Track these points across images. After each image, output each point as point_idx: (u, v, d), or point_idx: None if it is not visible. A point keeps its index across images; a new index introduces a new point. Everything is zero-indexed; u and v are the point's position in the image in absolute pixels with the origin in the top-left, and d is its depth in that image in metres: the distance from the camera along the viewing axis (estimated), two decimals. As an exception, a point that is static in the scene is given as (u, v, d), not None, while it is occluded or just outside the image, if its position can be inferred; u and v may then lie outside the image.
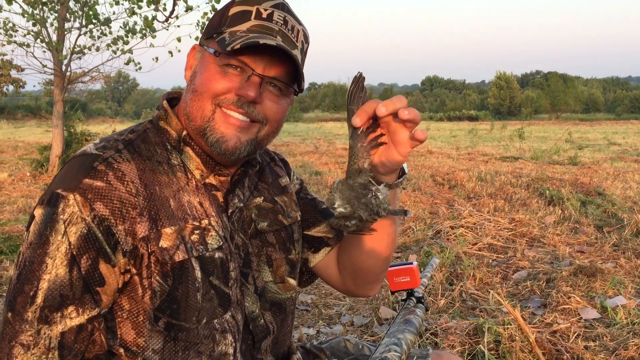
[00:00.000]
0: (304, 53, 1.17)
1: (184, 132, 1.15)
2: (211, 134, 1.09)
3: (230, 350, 1.14)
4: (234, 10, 1.11)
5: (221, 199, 1.17)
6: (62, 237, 0.98)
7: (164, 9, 9.03)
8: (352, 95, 1.03)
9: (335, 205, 0.99)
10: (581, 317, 3.15)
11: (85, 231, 0.99)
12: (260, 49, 1.05)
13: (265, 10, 1.10)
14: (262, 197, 1.27)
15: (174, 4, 8.50)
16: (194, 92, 1.11)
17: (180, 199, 1.10)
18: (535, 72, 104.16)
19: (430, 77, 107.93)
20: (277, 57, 1.08)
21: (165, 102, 1.20)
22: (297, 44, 1.13)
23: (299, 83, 1.15)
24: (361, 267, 1.32)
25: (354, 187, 1.01)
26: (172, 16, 9.04)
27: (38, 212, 1.02)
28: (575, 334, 2.88)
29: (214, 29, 1.13)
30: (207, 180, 1.15)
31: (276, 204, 1.29)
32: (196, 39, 7.83)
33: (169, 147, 1.15)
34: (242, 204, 1.21)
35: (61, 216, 0.98)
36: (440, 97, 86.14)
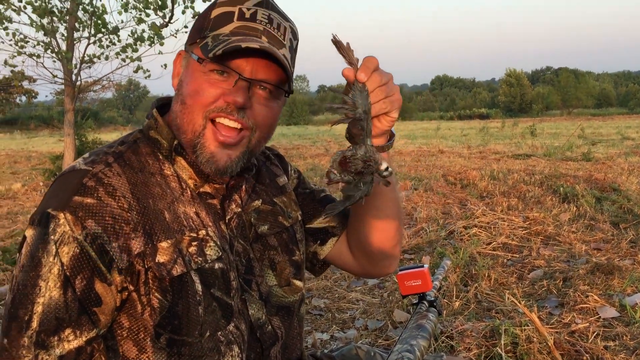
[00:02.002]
0: (293, 50, 1.13)
1: (175, 142, 1.11)
2: (201, 152, 1.07)
3: None
4: (216, 12, 1.07)
5: (218, 206, 1.14)
6: (54, 259, 0.95)
7: (171, 16, 9.07)
8: (346, 55, 1.00)
9: (385, 166, 0.97)
10: (600, 316, 3.09)
11: (77, 251, 0.96)
12: (246, 51, 1.01)
13: (249, 9, 1.06)
14: (261, 200, 1.24)
15: (173, 6, 8.53)
16: (183, 104, 1.07)
17: (176, 211, 1.07)
18: (546, 69, 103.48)
19: (440, 76, 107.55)
20: (265, 59, 1.05)
21: (155, 110, 1.16)
22: (285, 42, 1.09)
23: (289, 84, 1.11)
24: (374, 243, 1.28)
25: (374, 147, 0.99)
26: (172, 21, 9.07)
27: (29, 233, 0.99)
28: (594, 334, 2.83)
29: (198, 33, 1.09)
30: (202, 189, 1.12)
31: (275, 205, 1.27)
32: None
33: (160, 157, 1.11)
34: (240, 209, 1.18)
35: (52, 236, 0.96)
36: (450, 96, 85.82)
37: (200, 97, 1.05)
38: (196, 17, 8.96)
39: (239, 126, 1.07)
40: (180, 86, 1.10)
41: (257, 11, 1.07)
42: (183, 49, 1.14)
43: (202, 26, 1.08)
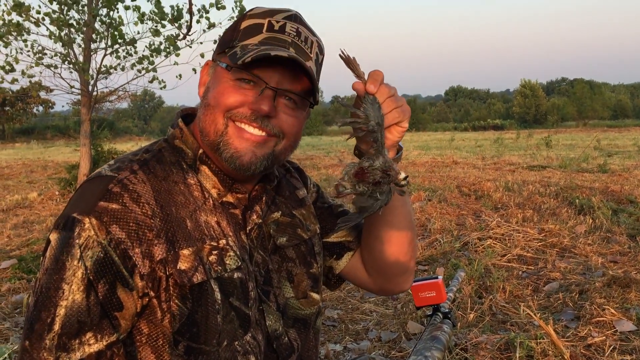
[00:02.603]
0: (318, 64, 1.14)
1: (200, 151, 1.13)
2: (225, 149, 1.07)
3: None
4: (245, 23, 1.10)
5: (239, 216, 1.15)
6: (79, 262, 0.96)
7: (189, 28, 9.13)
8: (354, 68, 1.03)
9: (404, 175, 0.98)
10: (616, 330, 3.05)
11: (101, 255, 0.97)
12: (273, 61, 1.03)
13: (278, 22, 1.08)
14: (280, 212, 1.24)
15: (191, 21, 8.61)
16: (207, 107, 1.09)
17: (197, 219, 1.08)
18: (561, 80, 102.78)
19: (454, 87, 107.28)
20: (291, 70, 1.06)
21: (180, 120, 1.18)
22: (311, 56, 1.10)
23: (314, 95, 1.12)
24: (387, 259, 1.28)
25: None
26: (190, 33, 9.14)
27: (54, 237, 1.00)
28: (611, 347, 2.79)
29: (226, 43, 1.11)
30: (225, 199, 1.13)
31: (295, 217, 1.27)
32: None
33: (184, 166, 1.13)
34: (260, 220, 1.18)
35: (77, 240, 0.97)
36: (464, 107, 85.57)
37: (225, 101, 1.07)
38: (211, 27, 9.10)
39: (263, 134, 1.08)
40: (206, 92, 1.12)
41: (286, 24, 1.09)
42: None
43: (232, 37, 1.11)
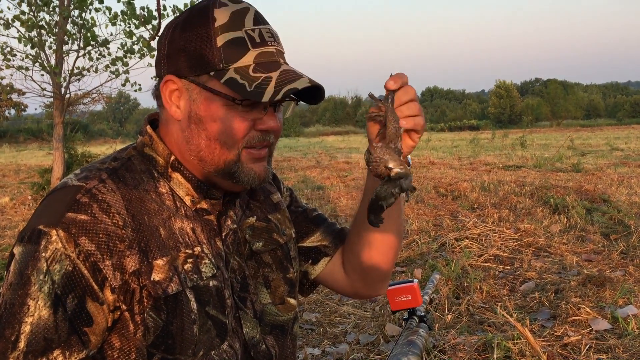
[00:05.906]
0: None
1: (172, 158, 1.08)
2: (242, 173, 1.05)
3: None
4: (222, 39, 1.01)
5: (214, 222, 1.12)
6: (45, 277, 0.92)
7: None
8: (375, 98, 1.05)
9: (392, 166, 0.94)
10: (592, 329, 3.08)
11: (70, 268, 0.93)
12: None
13: (253, 31, 1.03)
14: (255, 217, 1.22)
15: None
16: (214, 140, 1.03)
17: (171, 227, 1.04)
18: (535, 80, 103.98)
19: (430, 87, 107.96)
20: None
21: (148, 127, 1.13)
22: (284, 51, 1.09)
23: (321, 95, 1.10)
24: (372, 264, 1.26)
25: (396, 150, 0.97)
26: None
27: (18, 250, 0.96)
28: (587, 347, 2.81)
29: (205, 63, 1.01)
30: (199, 206, 1.10)
31: (270, 222, 1.24)
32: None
33: (155, 174, 1.08)
34: (235, 225, 1.16)
35: (43, 254, 0.93)
36: (440, 108, 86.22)
37: (236, 133, 1.03)
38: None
39: (267, 148, 1.09)
40: (197, 122, 1.04)
41: (261, 31, 1.04)
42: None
43: (208, 56, 1.01)
